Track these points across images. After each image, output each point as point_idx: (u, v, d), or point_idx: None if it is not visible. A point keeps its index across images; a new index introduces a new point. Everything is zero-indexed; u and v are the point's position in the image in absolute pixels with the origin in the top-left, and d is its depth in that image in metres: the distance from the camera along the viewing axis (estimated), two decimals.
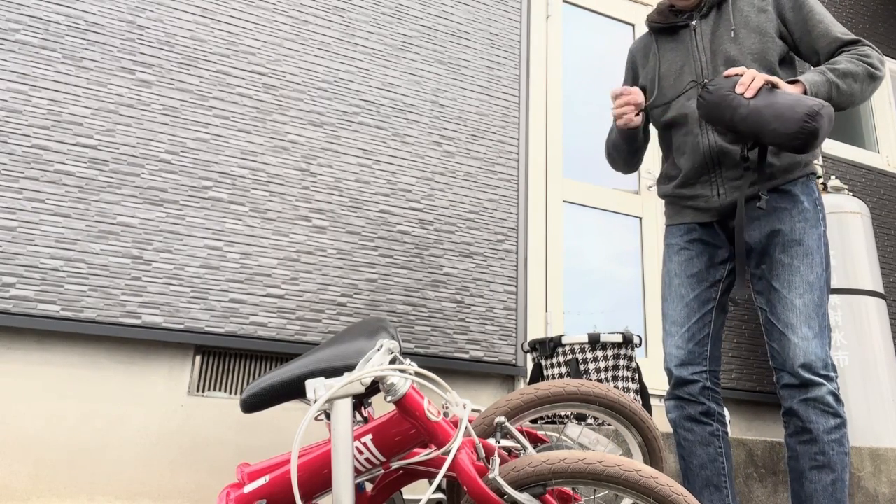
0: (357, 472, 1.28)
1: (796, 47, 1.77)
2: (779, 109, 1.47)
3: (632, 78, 2.02)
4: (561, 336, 2.44)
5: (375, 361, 1.16)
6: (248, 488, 1.26)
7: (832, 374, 1.60)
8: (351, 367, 1.27)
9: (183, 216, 2.43)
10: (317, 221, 2.63)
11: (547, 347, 2.44)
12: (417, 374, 1.18)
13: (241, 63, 2.66)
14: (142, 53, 2.51)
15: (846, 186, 3.69)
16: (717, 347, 1.78)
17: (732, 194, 1.72)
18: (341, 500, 1.08)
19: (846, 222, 3.15)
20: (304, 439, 2.39)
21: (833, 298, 3.06)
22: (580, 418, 2.25)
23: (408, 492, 1.53)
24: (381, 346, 1.19)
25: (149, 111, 2.47)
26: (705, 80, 1.75)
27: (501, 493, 1.10)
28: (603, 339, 2.38)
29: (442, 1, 3.14)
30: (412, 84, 2.96)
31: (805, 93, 1.55)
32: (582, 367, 2.40)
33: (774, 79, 1.54)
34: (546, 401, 1.40)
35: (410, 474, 1.35)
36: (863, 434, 2.84)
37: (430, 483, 1.17)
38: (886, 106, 4.46)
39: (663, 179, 1.93)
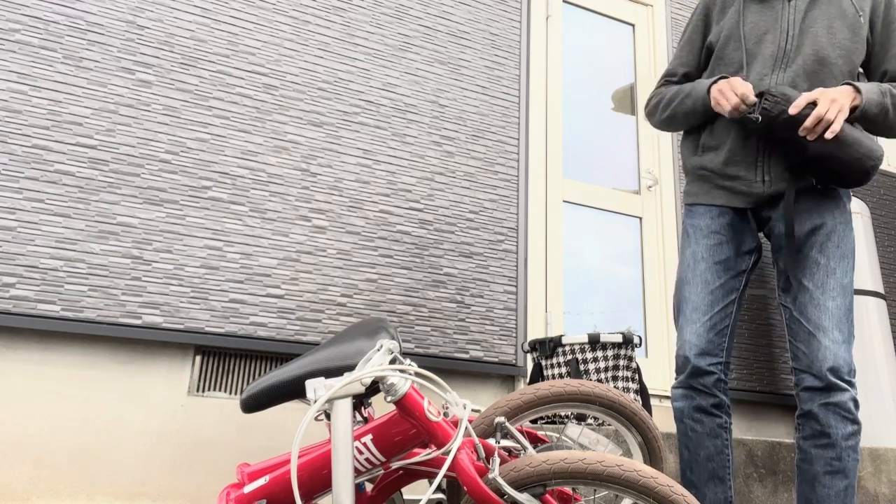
0: (357, 472, 1.28)
1: (868, 58, 1.73)
2: (845, 160, 1.47)
3: (703, 28, 1.86)
4: (561, 336, 2.44)
5: (375, 361, 1.16)
6: (248, 488, 1.26)
7: (854, 380, 1.58)
8: (351, 367, 1.27)
9: (183, 216, 2.43)
10: (317, 221, 2.63)
11: (547, 347, 2.44)
12: (417, 374, 1.18)
13: (241, 63, 2.66)
14: (142, 53, 2.51)
15: None
16: (733, 340, 1.73)
17: (778, 184, 1.64)
18: (341, 500, 1.08)
19: None
20: (304, 439, 2.39)
21: None
22: (580, 418, 2.25)
23: (408, 492, 1.53)
24: (381, 346, 1.19)
25: (149, 111, 2.47)
26: (772, 84, 1.64)
27: (501, 493, 1.10)
28: (603, 339, 2.38)
29: (442, 1, 3.14)
30: (412, 84, 2.96)
31: (858, 104, 1.53)
32: (582, 368, 2.40)
33: (843, 114, 1.49)
34: (546, 401, 1.40)
35: (410, 474, 1.35)
36: (863, 434, 2.84)
37: (430, 483, 1.17)
38: None
39: (697, 149, 1.79)
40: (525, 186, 3.09)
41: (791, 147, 1.56)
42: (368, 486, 1.36)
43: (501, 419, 1.21)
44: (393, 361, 1.20)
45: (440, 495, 1.43)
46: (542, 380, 2.47)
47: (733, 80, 1.61)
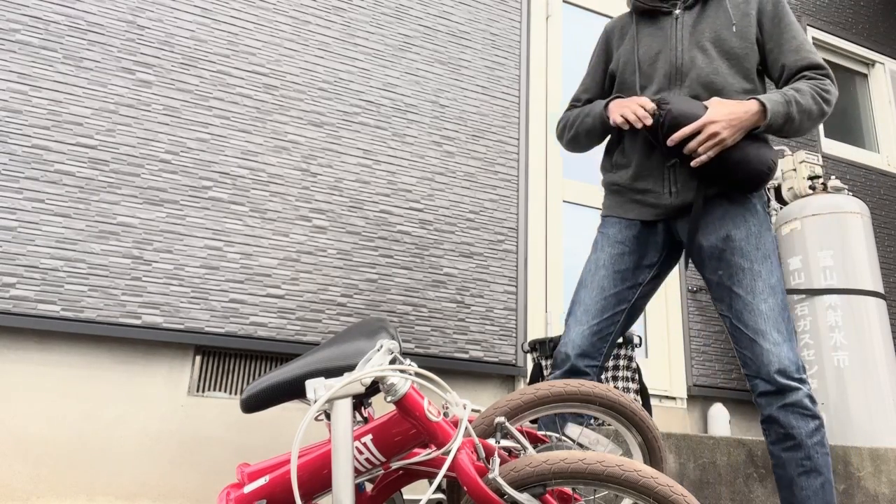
0: (357, 473, 1.28)
1: (764, 58, 1.77)
2: (733, 175, 1.60)
3: (604, 56, 1.94)
4: (561, 336, 2.44)
5: (375, 361, 1.16)
6: (248, 488, 1.26)
7: (805, 376, 1.60)
8: (351, 368, 1.27)
9: (183, 216, 2.43)
10: (317, 221, 2.64)
11: (547, 347, 2.44)
12: (417, 375, 1.18)
13: (241, 63, 2.66)
14: (142, 53, 2.51)
15: (846, 186, 3.69)
16: (612, 348, 1.78)
17: (685, 194, 1.70)
18: (341, 500, 1.08)
19: (846, 222, 3.15)
20: (304, 439, 2.39)
21: (833, 298, 3.06)
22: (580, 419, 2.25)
23: (408, 492, 1.53)
24: (381, 347, 1.19)
25: (149, 111, 2.47)
26: (669, 91, 1.72)
27: (501, 494, 1.10)
28: None
29: (442, 1, 3.14)
30: (412, 84, 2.96)
31: (764, 114, 1.59)
32: None
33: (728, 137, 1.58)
34: (546, 401, 1.40)
35: (410, 474, 1.35)
36: (863, 434, 2.84)
37: (430, 483, 1.17)
38: (886, 106, 4.46)
39: (611, 167, 1.86)
40: (525, 186, 3.09)
41: (689, 159, 1.63)
42: (368, 486, 1.36)
43: (501, 419, 1.21)
44: (393, 361, 1.20)
45: (440, 495, 1.43)
46: (542, 380, 2.47)
47: (632, 97, 1.71)
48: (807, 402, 1.58)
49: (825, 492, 1.57)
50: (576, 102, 1.96)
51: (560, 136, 1.97)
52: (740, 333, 1.64)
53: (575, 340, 1.72)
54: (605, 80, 1.94)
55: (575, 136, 1.89)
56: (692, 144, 1.58)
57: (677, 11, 1.80)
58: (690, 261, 1.79)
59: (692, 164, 1.60)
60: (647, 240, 1.78)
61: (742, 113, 1.58)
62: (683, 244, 1.78)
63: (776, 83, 1.76)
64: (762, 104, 1.59)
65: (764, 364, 1.59)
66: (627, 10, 1.94)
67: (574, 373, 1.72)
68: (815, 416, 1.58)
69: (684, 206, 1.71)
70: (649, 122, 1.63)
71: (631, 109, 1.65)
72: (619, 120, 1.69)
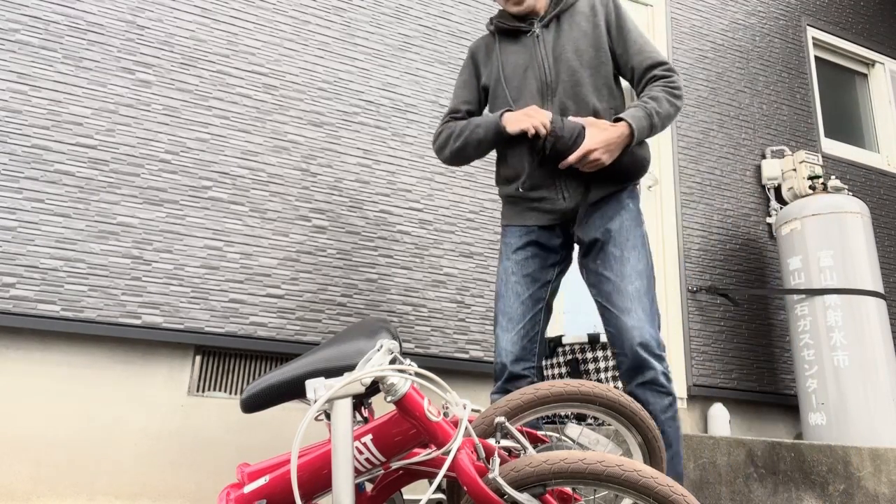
0: (357, 473, 1.28)
1: (616, 63, 1.92)
2: (618, 171, 1.81)
3: (475, 72, 2.02)
4: (561, 336, 2.44)
5: (375, 361, 1.16)
6: (248, 488, 1.26)
7: (664, 354, 1.72)
8: (351, 367, 1.27)
9: (183, 216, 2.43)
10: (317, 221, 2.64)
11: (547, 347, 2.43)
12: (417, 374, 1.18)
13: (241, 63, 2.66)
14: (142, 53, 2.51)
15: (846, 186, 3.69)
16: (543, 345, 1.87)
17: (576, 199, 1.84)
18: (341, 500, 1.08)
19: (846, 222, 3.15)
20: (304, 439, 2.39)
21: (833, 298, 3.06)
22: (580, 418, 2.25)
23: (408, 492, 1.53)
24: (381, 346, 1.19)
25: (149, 111, 2.47)
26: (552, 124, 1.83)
27: (501, 494, 1.10)
28: (603, 339, 2.38)
29: (442, 1, 3.14)
30: (412, 84, 2.96)
31: (631, 134, 1.76)
32: (582, 367, 2.40)
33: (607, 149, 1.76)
34: (546, 401, 1.40)
35: (410, 474, 1.35)
36: (863, 434, 2.84)
37: (430, 483, 1.17)
38: (886, 106, 4.46)
39: (504, 181, 1.96)
40: None
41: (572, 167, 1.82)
42: (368, 486, 1.36)
43: (501, 419, 1.21)
44: (393, 361, 1.20)
45: (440, 495, 1.43)
46: (542, 380, 2.47)
47: (532, 107, 1.80)
48: (662, 379, 1.70)
49: (674, 463, 1.69)
50: (455, 114, 2.00)
51: (441, 148, 1.97)
52: (609, 313, 1.77)
53: (507, 348, 1.81)
54: (480, 91, 2.02)
55: (463, 147, 1.91)
56: (577, 166, 1.77)
57: (537, 30, 1.91)
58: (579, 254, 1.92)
59: (563, 165, 1.78)
60: (547, 242, 1.89)
61: (616, 137, 1.75)
62: (575, 242, 1.93)
63: (631, 83, 1.94)
64: (630, 126, 1.76)
65: (627, 339, 1.71)
66: (488, 31, 2.03)
67: (514, 378, 1.80)
68: (669, 393, 1.70)
69: (575, 208, 1.85)
70: (543, 132, 1.75)
71: (539, 120, 1.75)
72: (520, 129, 1.78)
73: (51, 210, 2.26)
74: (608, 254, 1.81)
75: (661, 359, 1.70)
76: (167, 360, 2.35)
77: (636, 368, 1.70)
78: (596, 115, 1.84)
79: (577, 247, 1.94)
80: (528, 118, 1.76)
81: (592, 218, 1.85)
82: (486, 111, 2.03)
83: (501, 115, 1.83)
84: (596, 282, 1.82)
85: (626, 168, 1.82)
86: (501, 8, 1.98)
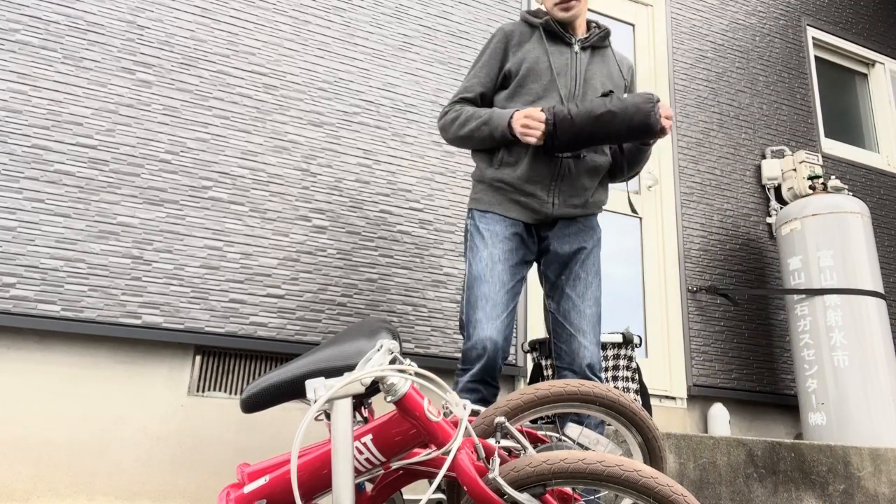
0: (357, 473, 1.28)
1: None
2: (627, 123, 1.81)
3: (500, 56, 2.01)
4: None
5: (375, 361, 1.16)
6: (248, 488, 1.26)
7: (602, 376, 1.85)
8: (351, 368, 1.27)
9: (183, 216, 2.43)
10: (317, 221, 2.64)
11: (547, 347, 2.44)
12: (417, 375, 1.18)
13: (241, 63, 2.66)
14: (142, 53, 2.51)
15: (846, 186, 3.69)
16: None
17: (564, 209, 1.90)
18: (341, 500, 1.08)
19: (846, 222, 3.15)
20: (305, 439, 2.39)
21: (833, 298, 3.06)
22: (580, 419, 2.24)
23: (408, 492, 1.53)
24: (381, 347, 1.19)
25: (149, 111, 2.47)
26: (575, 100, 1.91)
27: (501, 494, 1.10)
28: (603, 339, 2.38)
29: (442, 1, 3.14)
30: (412, 84, 2.96)
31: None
32: None
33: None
34: (546, 401, 1.40)
35: (410, 474, 1.35)
36: (863, 434, 2.84)
37: (430, 483, 1.17)
38: (886, 106, 4.46)
39: (496, 164, 1.93)
40: None
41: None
42: (368, 486, 1.36)
43: (501, 419, 1.21)
44: (393, 361, 1.20)
45: (440, 495, 1.43)
46: (542, 380, 2.47)
47: (530, 111, 1.80)
48: None
49: None
50: (467, 94, 2.00)
51: (446, 128, 1.99)
52: (563, 329, 1.85)
53: (492, 336, 1.77)
54: (499, 77, 2.01)
55: (468, 138, 1.94)
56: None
57: (577, 48, 1.98)
58: (540, 261, 1.96)
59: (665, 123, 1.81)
60: (525, 239, 1.92)
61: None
62: (541, 248, 1.96)
63: None
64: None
65: (579, 357, 1.81)
66: (526, 23, 2.05)
67: (492, 369, 1.78)
68: None
69: (559, 217, 1.91)
70: (539, 133, 1.78)
71: (534, 122, 1.78)
72: (528, 140, 1.80)
73: (51, 210, 2.26)
74: (575, 273, 1.88)
75: (600, 380, 1.84)
76: (167, 360, 2.35)
77: None
78: (595, 148, 1.92)
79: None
80: (530, 130, 1.79)
81: (569, 232, 1.92)
82: (500, 97, 2.01)
83: (510, 122, 1.85)
84: (557, 297, 1.89)
85: (602, 198, 1.97)
86: (544, 9, 2.03)
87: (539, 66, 1.94)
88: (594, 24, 2.06)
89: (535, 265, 2.01)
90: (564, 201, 1.90)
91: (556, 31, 1.98)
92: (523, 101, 1.93)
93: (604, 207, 1.95)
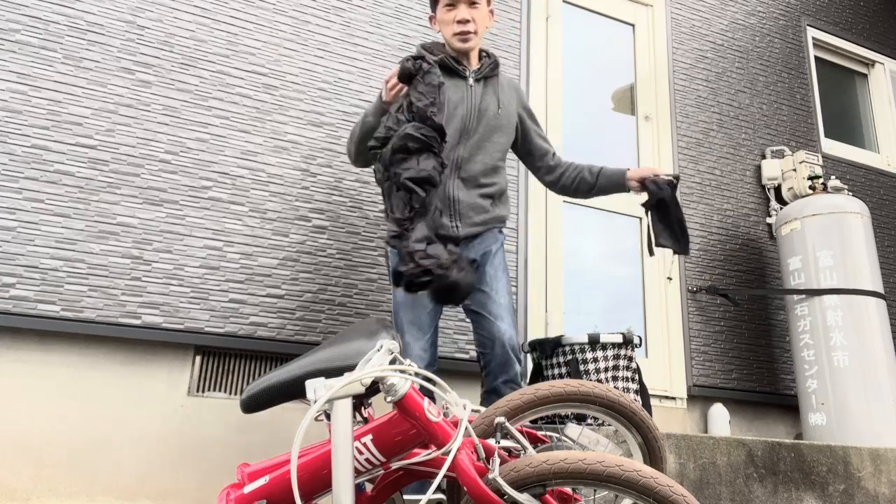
0: (357, 473, 1.28)
1: (522, 138, 2.25)
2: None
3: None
4: (561, 336, 2.44)
5: (375, 362, 1.16)
6: (248, 488, 1.26)
7: (521, 357, 2.05)
8: (351, 368, 1.27)
9: (183, 216, 2.43)
10: (317, 221, 2.64)
11: (547, 348, 2.43)
12: (417, 375, 1.18)
13: (240, 63, 2.66)
14: (142, 54, 2.51)
15: (846, 186, 3.69)
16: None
17: (468, 228, 2.07)
18: (341, 500, 1.08)
19: (846, 222, 3.15)
20: (305, 439, 2.38)
21: (833, 299, 3.06)
22: (580, 418, 2.25)
23: (408, 492, 1.53)
24: (381, 347, 1.19)
25: (149, 111, 2.47)
26: (469, 130, 2.08)
27: (501, 494, 1.10)
28: (603, 339, 2.38)
29: None
30: None
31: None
32: (582, 368, 2.40)
33: None
34: (546, 401, 1.40)
35: (410, 474, 1.35)
36: (863, 434, 2.84)
37: (430, 483, 1.17)
38: (886, 106, 4.46)
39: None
40: (525, 186, 3.09)
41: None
42: (368, 487, 1.36)
43: (501, 419, 1.21)
44: (393, 362, 1.20)
45: (440, 495, 1.43)
46: (542, 380, 2.47)
47: (386, 77, 1.95)
48: (519, 378, 2.01)
49: None
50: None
51: (349, 150, 2.13)
52: (482, 318, 2.03)
53: (420, 355, 1.97)
54: None
55: (361, 139, 2.04)
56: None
57: (471, 81, 2.12)
58: None
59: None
60: None
61: None
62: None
63: (527, 155, 2.29)
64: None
65: (499, 339, 1.99)
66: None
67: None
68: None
69: (467, 236, 2.08)
70: (395, 80, 1.89)
71: (389, 77, 1.91)
72: (391, 88, 1.91)
73: (51, 210, 2.26)
74: (486, 273, 2.08)
75: (520, 360, 2.02)
76: (167, 361, 2.35)
77: (504, 364, 1.98)
78: (485, 173, 2.10)
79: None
80: (390, 82, 1.90)
81: (475, 242, 2.10)
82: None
83: (380, 97, 1.97)
84: (473, 294, 2.05)
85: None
86: (440, 41, 2.16)
87: (439, 99, 2.04)
88: (485, 54, 2.19)
89: None
90: (467, 222, 2.07)
91: (451, 66, 2.10)
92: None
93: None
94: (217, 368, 2.43)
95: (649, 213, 2.14)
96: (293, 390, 1.33)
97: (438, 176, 1.79)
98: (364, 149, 2.01)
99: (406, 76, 1.86)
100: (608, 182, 2.21)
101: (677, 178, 2.12)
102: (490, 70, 2.16)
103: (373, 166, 1.97)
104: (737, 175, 3.69)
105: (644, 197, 2.15)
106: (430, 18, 2.20)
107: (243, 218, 2.52)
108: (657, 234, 2.12)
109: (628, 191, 2.20)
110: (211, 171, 2.51)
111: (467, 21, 2.08)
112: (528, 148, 2.29)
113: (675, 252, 2.15)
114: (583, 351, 2.41)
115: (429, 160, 1.79)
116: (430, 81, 1.86)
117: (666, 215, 2.10)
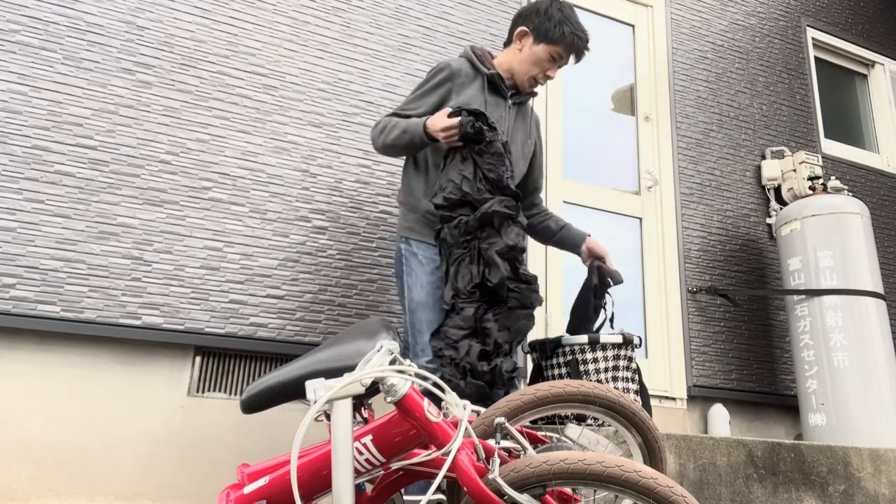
0: (357, 473, 1.28)
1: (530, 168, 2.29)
2: None
3: (442, 92, 2.08)
4: (560, 337, 2.44)
5: (375, 362, 1.16)
6: (248, 489, 1.26)
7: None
8: (351, 368, 1.27)
9: (183, 217, 2.43)
10: (317, 222, 2.64)
11: (547, 348, 2.43)
12: (417, 375, 1.18)
13: (240, 64, 2.66)
14: (142, 54, 2.51)
15: (846, 187, 3.69)
16: None
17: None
18: (341, 500, 1.08)
19: (846, 223, 3.15)
20: (305, 440, 2.38)
21: (833, 299, 3.06)
22: (580, 419, 2.25)
23: (407, 492, 1.53)
24: (381, 347, 1.19)
25: (149, 112, 2.47)
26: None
27: (501, 494, 1.10)
28: (603, 339, 2.38)
29: (442, 1, 3.14)
30: (412, 84, 2.95)
31: None
32: (582, 368, 2.40)
33: None
34: (546, 402, 1.40)
35: (410, 475, 1.35)
36: (863, 434, 2.84)
37: (430, 484, 1.17)
38: (886, 106, 4.46)
39: (428, 195, 2.04)
40: None
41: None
42: (368, 487, 1.36)
43: (501, 420, 1.21)
44: (393, 362, 1.20)
45: (440, 496, 1.43)
46: (542, 380, 2.47)
47: (437, 119, 1.92)
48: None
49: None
50: (400, 112, 2.09)
51: (375, 138, 2.10)
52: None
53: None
54: (434, 109, 2.07)
55: (392, 146, 2.05)
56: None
57: (510, 102, 2.17)
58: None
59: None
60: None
61: None
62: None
63: (525, 193, 2.27)
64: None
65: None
66: (470, 63, 2.15)
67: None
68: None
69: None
70: (454, 128, 1.88)
71: (446, 125, 1.88)
72: (443, 129, 1.90)
73: (51, 211, 2.26)
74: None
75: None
76: (167, 361, 2.35)
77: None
78: (517, 197, 2.03)
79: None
80: (450, 132, 1.88)
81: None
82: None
83: (425, 127, 1.93)
84: None
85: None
86: (487, 48, 2.23)
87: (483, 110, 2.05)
88: None
89: None
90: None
91: (498, 86, 2.13)
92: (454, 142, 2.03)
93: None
94: (217, 369, 2.43)
95: (581, 288, 2.28)
96: (293, 391, 1.33)
97: (522, 239, 1.89)
98: (393, 152, 2.08)
99: (467, 139, 1.88)
100: (566, 240, 2.31)
101: (620, 281, 2.23)
102: (526, 98, 2.22)
103: (439, 230, 1.95)
104: (737, 175, 3.69)
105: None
106: (523, 33, 2.14)
107: (243, 219, 2.52)
108: (574, 309, 2.30)
109: (579, 255, 2.31)
110: (211, 172, 2.51)
111: (551, 79, 2.17)
112: (524, 180, 2.30)
113: (568, 331, 2.30)
114: (583, 351, 2.41)
115: (511, 229, 1.86)
116: (495, 150, 1.89)
117: (586, 301, 2.26)
